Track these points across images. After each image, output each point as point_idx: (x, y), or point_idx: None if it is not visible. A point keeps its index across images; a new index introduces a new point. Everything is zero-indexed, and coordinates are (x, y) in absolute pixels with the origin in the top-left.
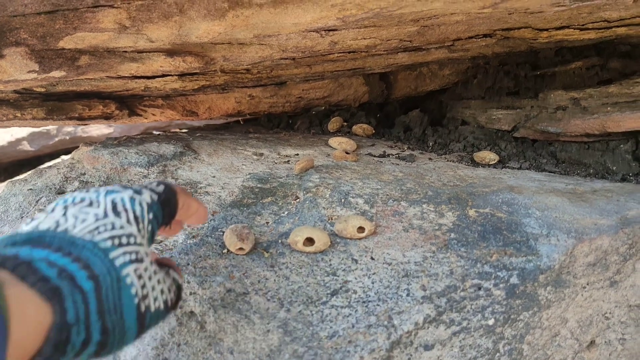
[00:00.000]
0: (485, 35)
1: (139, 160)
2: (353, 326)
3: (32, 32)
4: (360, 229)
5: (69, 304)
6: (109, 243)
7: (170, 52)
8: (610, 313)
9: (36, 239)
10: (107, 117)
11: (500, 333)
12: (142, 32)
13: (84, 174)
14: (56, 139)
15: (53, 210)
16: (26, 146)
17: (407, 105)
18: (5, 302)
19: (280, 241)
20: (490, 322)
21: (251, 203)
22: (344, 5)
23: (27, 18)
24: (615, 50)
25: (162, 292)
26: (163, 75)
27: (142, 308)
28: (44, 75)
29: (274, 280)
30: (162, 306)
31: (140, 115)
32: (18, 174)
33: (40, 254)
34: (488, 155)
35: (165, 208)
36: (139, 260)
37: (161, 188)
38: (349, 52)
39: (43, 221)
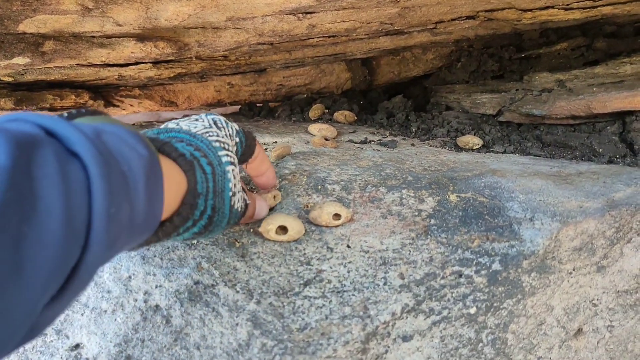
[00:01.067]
0: (468, 17)
1: None
2: (327, 317)
3: None
4: (336, 216)
5: (199, 177)
6: (217, 144)
7: (141, 37)
8: (597, 299)
9: (163, 132)
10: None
11: (483, 322)
12: (108, 15)
13: None
14: None
15: (166, 125)
16: None
17: (391, 91)
18: (160, 165)
19: (252, 230)
20: (472, 310)
21: None
22: None
23: None
24: (600, 31)
25: (241, 198)
26: (137, 63)
27: (232, 202)
28: (7, 61)
29: (245, 270)
30: (240, 209)
31: (117, 106)
32: None
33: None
34: (472, 140)
35: (247, 140)
36: (234, 164)
37: (246, 128)
38: (329, 37)
39: (161, 127)
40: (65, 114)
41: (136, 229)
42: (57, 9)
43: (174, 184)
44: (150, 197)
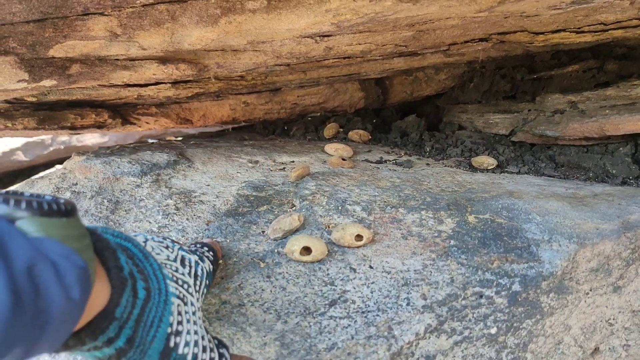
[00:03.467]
0: (481, 40)
1: (131, 170)
2: (352, 337)
3: (21, 41)
4: (358, 237)
5: (124, 300)
6: (169, 274)
7: (163, 60)
8: (613, 319)
9: (123, 240)
10: (100, 126)
11: (503, 342)
12: (134, 40)
13: (76, 184)
14: (51, 149)
15: (135, 235)
16: (20, 156)
17: (403, 110)
18: (92, 276)
19: (276, 251)
20: (493, 330)
21: (246, 212)
22: (339, 10)
23: (15, 27)
24: (611, 53)
25: (195, 343)
26: (156, 83)
27: (171, 343)
28: (35, 84)
29: (270, 291)
30: (189, 356)
31: (134, 124)
32: (12, 185)
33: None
34: (486, 160)
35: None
36: (183, 301)
37: (211, 255)
38: (344, 58)
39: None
40: (46, 206)
41: None
42: (87, 35)
43: (93, 300)
44: (58, 338)
